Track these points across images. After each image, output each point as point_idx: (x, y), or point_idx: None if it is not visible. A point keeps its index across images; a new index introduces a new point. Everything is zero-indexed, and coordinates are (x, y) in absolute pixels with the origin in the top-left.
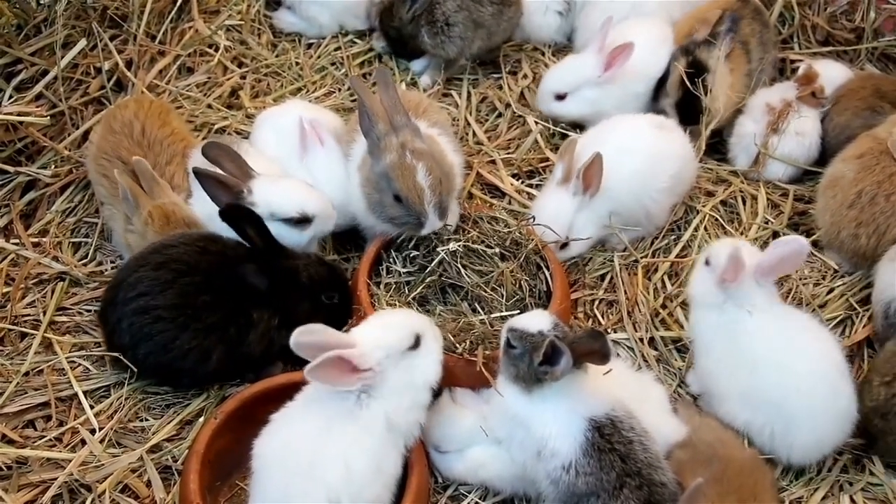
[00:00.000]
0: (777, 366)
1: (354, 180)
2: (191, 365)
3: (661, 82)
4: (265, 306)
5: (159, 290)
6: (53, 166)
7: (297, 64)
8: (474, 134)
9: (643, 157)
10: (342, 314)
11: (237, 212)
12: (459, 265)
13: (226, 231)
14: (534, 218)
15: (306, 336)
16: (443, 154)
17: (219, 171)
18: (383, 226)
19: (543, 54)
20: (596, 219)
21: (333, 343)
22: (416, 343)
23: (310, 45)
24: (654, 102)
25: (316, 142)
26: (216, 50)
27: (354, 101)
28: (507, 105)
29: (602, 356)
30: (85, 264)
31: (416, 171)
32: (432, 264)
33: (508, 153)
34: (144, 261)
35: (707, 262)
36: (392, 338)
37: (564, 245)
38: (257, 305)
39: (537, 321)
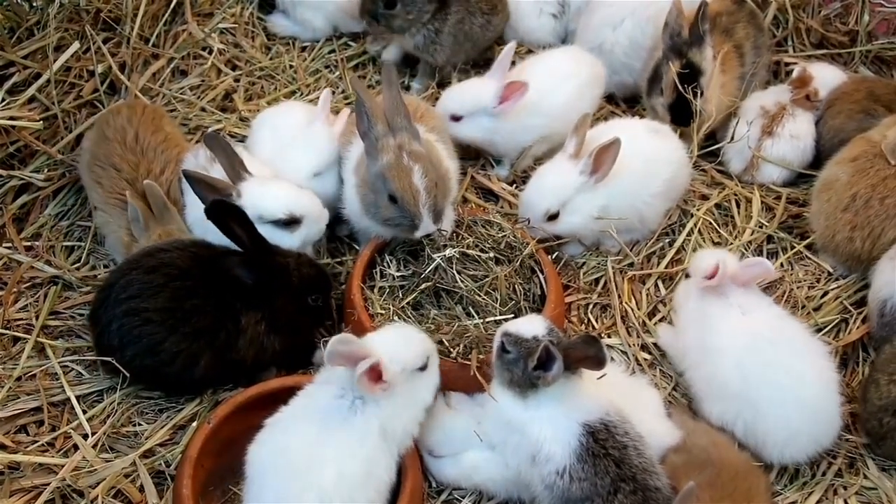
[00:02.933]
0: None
1: (349, 182)
2: (178, 370)
3: (653, 80)
4: (253, 310)
5: (150, 294)
6: (46, 170)
7: (291, 67)
8: None
9: (638, 161)
10: (322, 316)
11: (223, 208)
12: (454, 270)
13: (216, 239)
14: (528, 221)
15: (343, 346)
16: (440, 159)
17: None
18: (378, 228)
19: None
20: (589, 208)
21: (363, 353)
22: (426, 366)
23: (304, 48)
24: (648, 98)
25: (326, 117)
26: (210, 53)
27: (349, 103)
28: None
29: (597, 362)
30: (78, 268)
31: (412, 172)
32: (427, 270)
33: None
34: (136, 264)
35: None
36: (410, 356)
37: (554, 217)
38: (245, 310)
39: (532, 326)
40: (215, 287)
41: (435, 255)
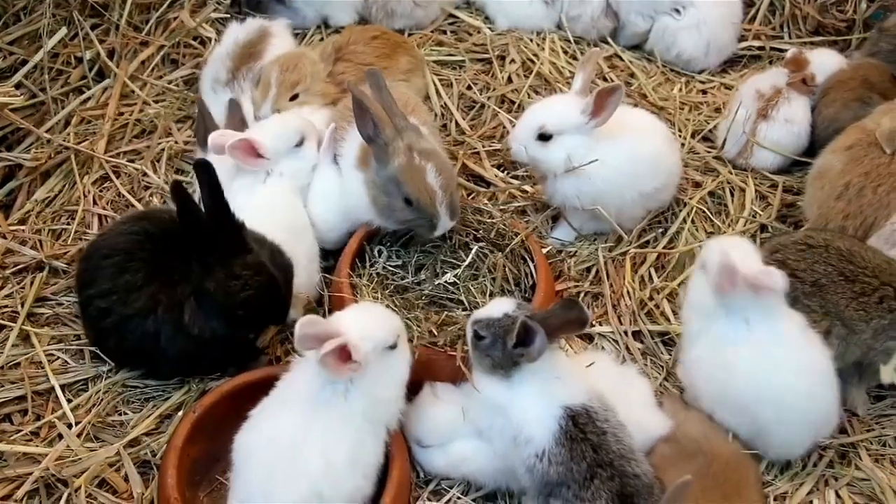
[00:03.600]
0: (758, 379)
1: (349, 177)
2: (149, 348)
3: None
4: (186, 281)
5: (92, 278)
6: (34, 150)
7: None
8: (457, 124)
9: (645, 153)
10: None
11: (205, 167)
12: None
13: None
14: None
15: (311, 327)
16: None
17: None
18: (393, 226)
19: (531, 41)
20: (579, 152)
21: (332, 333)
22: (396, 343)
23: (294, 36)
24: None
25: (329, 156)
26: (201, 43)
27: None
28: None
29: (580, 324)
30: (65, 253)
31: (425, 172)
32: (428, 289)
33: (493, 144)
34: (87, 254)
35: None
36: (379, 333)
37: (545, 138)
38: (182, 280)
39: (500, 306)
40: (153, 259)
41: (437, 282)
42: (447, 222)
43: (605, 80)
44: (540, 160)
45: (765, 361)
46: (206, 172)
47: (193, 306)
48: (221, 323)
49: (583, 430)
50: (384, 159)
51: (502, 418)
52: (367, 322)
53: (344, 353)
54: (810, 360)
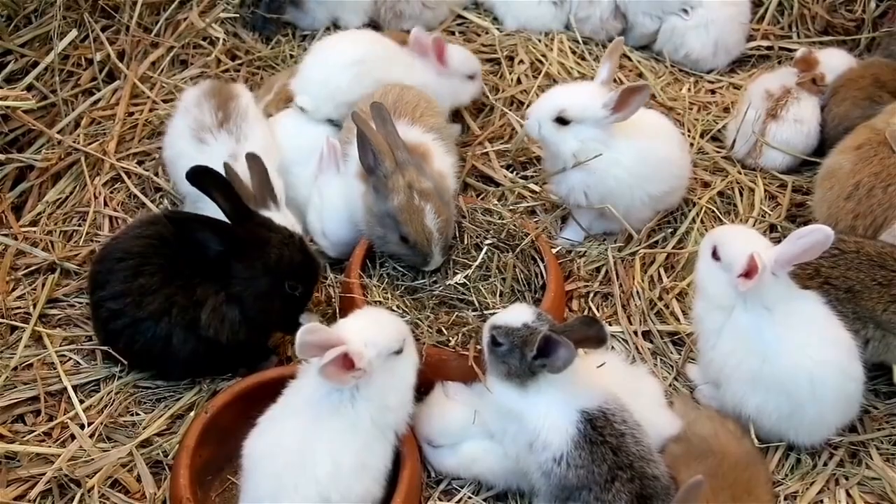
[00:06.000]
0: (791, 355)
1: (351, 186)
2: (160, 351)
3: None
4: (210, 280)
5: (106, 281)
6: (45, 151)
7: (292, 56)
8: (466, 125)
9: (659, 154)
10: (297, 308)
11: (204, 173)
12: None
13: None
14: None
15: (312, 335)
16: (443, 179)
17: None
18: (385, 251)
19: (539, 41)
20: (592, 144)
21: (335, 341)
22: (402, 349)
23: (303, 38)
24: None
25: (333, 165)
26: (211, 43)
27: None
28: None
29: (598, 341)
30: (77, 255)
31: (424, 214)
32: (439, 290)
33: (503, 143)
34: (100, 256)
35: (716, 256)
36: (384, 339)
37: (563, 122)
38: (203, 281)
39: (519, 315)
40: (168, 262)
41: (448, 282)
42: (438, 259)
43: (613, 80)
44: (551, 142)
45: (795, 339)
46: (204, 176)
47: (217, 302)
48: (268, 294)
49: (601, 432)
50: (383, 193)
51: (516, 424)
52: (372, 328)
53: (348, 361)
54: (837, 334)
